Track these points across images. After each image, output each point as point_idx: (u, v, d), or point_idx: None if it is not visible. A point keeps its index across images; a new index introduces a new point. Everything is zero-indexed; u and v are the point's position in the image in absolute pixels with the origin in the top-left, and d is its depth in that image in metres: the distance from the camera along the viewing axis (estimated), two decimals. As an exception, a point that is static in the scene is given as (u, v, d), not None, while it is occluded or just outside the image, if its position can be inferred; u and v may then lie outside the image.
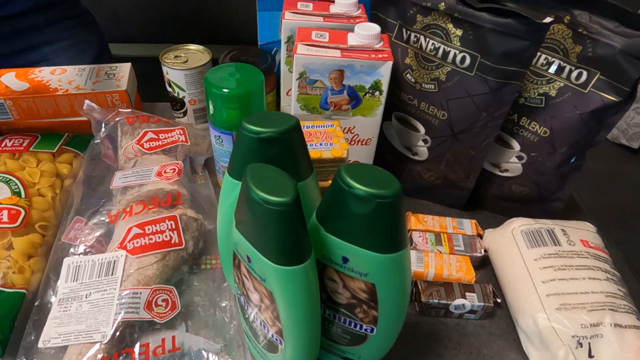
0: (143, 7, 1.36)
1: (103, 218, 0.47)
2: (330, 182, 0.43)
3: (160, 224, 0.46)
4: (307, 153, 0.33)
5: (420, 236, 0.52)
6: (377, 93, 0.46)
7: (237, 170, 0.33)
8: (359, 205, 0.27)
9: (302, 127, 0.44)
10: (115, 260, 0.43)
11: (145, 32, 1.39)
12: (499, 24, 0.42)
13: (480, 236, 0.53)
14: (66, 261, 0.44)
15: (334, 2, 0.57)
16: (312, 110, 0.48)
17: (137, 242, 0.44)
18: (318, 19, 0.50)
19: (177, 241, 0.46)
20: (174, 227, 0.46)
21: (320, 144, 0.42)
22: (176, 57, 0.64)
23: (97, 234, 0.47)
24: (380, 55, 0.45)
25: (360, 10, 0.53)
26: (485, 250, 0.51)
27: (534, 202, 0.56)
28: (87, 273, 0.43)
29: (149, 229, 0.45)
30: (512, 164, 0.53)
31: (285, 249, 0.27)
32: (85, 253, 0.45)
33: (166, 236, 0.45)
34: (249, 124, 0.30)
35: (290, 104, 0.55)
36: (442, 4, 0.45)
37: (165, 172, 0.51)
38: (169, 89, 0.65)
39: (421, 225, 0.53)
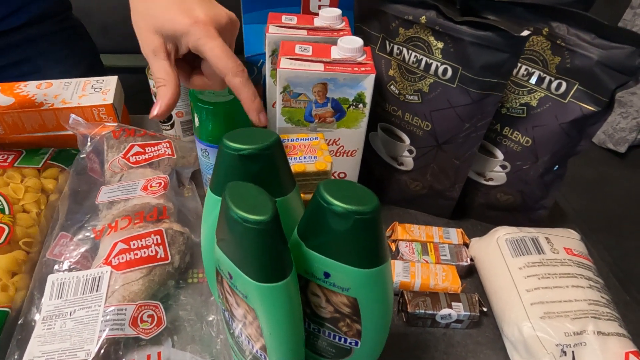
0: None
1: (88, 234, 0.47)
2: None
3: (146, 239, 0.46)
4: (288, 168, 0.34)
5: (407, 246, 0.52)
6: (360, 105, 0.47)
7: (219, 186, 0.33)
8: (338, 221, 0.27)
9: (285, 140, 0.44)
10: (100, 277, 0.43)
11: (134, 42, 1.39)
12: (479, 37, 0.43)
13: (467, 245, 0.54)
14: (50, 278, 0.43)
15: (317, 15, 0.58)
16: (297, 122, 0.48)
17: (123, 258, 0.44)
18: (302, 33, 0.51)
19: (162, 256, 0.46)
20: (159, 241, 0.46)
21: (304, 157, 0.42)
22: (163, 70, 0.64)
23: (82, 249, 0.46)
24: (363, 69, 0.45)
25: (344, 23, 0.54)
26: (472, 259, 0.52)
27: (519, 210, 0.56)
28: (71, 290, 0.42)
29: (134, 244, 0.45)
30: (497, 172, 0.54)
31: (266, 266, 0.27)
32: (70, 269, 0.45)
33: (152, 251, 0.45)
34: (229, 141, 0.30)
35: (276, 117, 0.55)
36: (424, 17, 0.46)
37: (151, 186, 0.51)
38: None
39: (408, 235, 0.53)
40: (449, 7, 0.46)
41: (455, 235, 0.54)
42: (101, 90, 0.64)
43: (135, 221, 0.47)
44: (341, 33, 0.52)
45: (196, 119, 0.51)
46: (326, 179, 0.43)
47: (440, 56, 0.46)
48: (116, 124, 0.59)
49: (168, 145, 0.58)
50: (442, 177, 0.55)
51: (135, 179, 0.53)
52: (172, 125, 0.67)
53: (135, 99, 0.86)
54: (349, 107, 0.47)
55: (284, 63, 0.45)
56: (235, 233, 0.27)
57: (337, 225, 0.27)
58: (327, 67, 0.45)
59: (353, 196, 0.27)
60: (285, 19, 0.53)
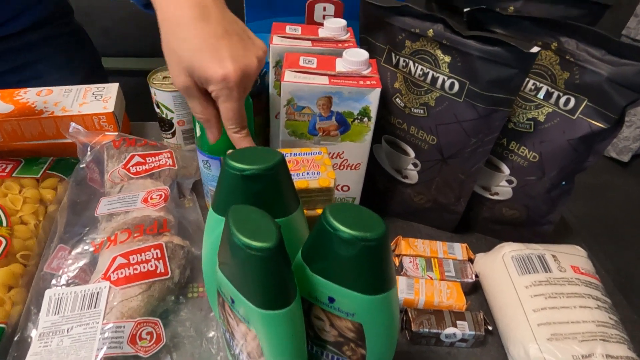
0: (135, 21, 1.35)
1: (87, 247, 0.46)
2: (318, 211, 0.43)
3: (146, 253, 0.45)
4: (293, 188, 0.33)
5: (411, 261, 0.51)
6: (365, 119, 0.46)
7: (221, 206, 0.32)
8: (344, 247, 0.26)
9: (288, 154, 0.43)
10: (98, 292, 0.42)
11: (136, 45, 1.38)
12: (487, 52, 0.42)
13: (472, 260, 0.53)
14: (47, 293, 0.42)
15: (322, 25, 0.57)
16: (301, 136, 0.48)
17: (122, 273, 0.43)
18: (306, 44, 0.50)
19: (162, 271, 0.45)
20: (159, 255, 0.46)
21: (307, 173, 0.41)
22: (165, 77, 0.64)
23: (81, 263, 0.45)
24: (368, 82, 0.44)
25: (349, 34, 0.53)
26: (476, 275, 0.51)
27: (525, 225, 0.55)
28: (69, 305, 0.42)
29: (133, 259, 0.44)
30: (502, 187, 0.53)
31: (269, 293, 0.26)
32: (67, 284, 0.44)
33: (151, 266, 0.45)
34: (232, 161, 0.30)
35: (279, 129, 0.54)
36: (431, 30, 0.45)
37: (151, 198, 0.50)
38: (157, 110, 0.64)
39: (412, 250, 0.52)
40: (456, 21, 0.45)
41: (459, 250, 0.53)
42: (102, 98, 0.64)
43: (135, 234, 0.47)
44: (346, 44, 0.51)
45: (197, 129, 0.50)
46: (332, 203, 0.42)
47: (447, 70, 0.46)
48: (117, 133, 0.58)
49: (169, 156, 0.57)
50: (447, 191, 0.54)
51: (136, 190, 0.52)
52: (174, 134, 0.66)
53: (136, 102, 0.85)
54: (353, 120, 0.46)
55: (288, 76, 0.44)
56: (238, 259, 0.26)
57: (343, 251, 0.26)
58: (332, 80, 0.44)
59: (359, 221, 0.26)
60: (289, 29, 0.53)
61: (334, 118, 0.46)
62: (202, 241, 0.54)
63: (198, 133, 0.50)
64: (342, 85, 0.44)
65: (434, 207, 0.56)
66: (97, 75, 0.83)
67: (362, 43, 0.54)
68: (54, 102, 0.62)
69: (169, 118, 0.64)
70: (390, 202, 0.59)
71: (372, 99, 0.44)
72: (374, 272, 0.27)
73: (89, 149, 0.56)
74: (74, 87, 0.65)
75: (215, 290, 0.33)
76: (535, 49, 0.40)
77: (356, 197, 0.54)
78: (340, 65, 0.46)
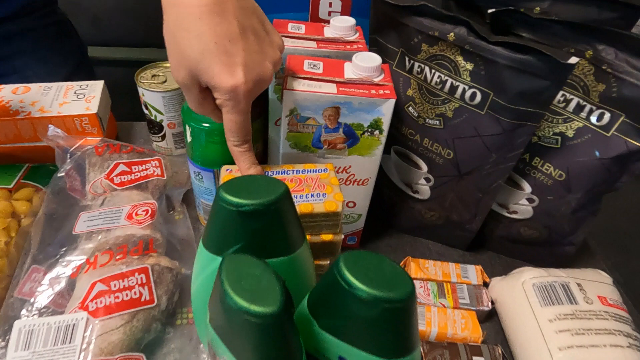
0: (125, 10, 1.29)
1: (64, 270, 0.41)
2: (323, 237, 0.38)
3: (129, 279, 0.40)
4: (297, 222, 0.28)
5: (422, 286, 0.47)
6: (376, 132, 0.41)
7: (214, 244, 0.27)
8: (361, 307, 0.22)
9: (290, 172, 0.39)
10: (74, 324, 0.37)
11: (127, 34, 1.31)
12: (516, 61, 0.37)
13: (486, 284, 0.49)
14: (17, 325, 0.38)
15: (328, 23, 0.52)
16: (304, 148, 0.43)
17: (101, 302, 0.39)
18: (311, 45, 0.45)
19: (147, 298, 0.40)
20: (144, 281, 0.41)
21: (312, 195, 0.37)
22: (154, 76, 0.58)
23: (57, 288, 0.41)
24: (381, 92, 0.39)
25: (357, 34, 0.48)
26: (492, 302, 0.47)
27: (544, 245, 0.51)
28: (41, 339, 0.37)
29: (115, 285, 0.40)
30: (522, 206, 0.49)
31: (270, 362, 0.22)
32: (40, 313, 0.39)
33: (135, 293, 0.40)
34: (227, 194, 0.25)
35: (279, 135, 0.49)
36: (452, 34, 0.40)
37: (136, 214, 0.45)
38: (146, 111, 0.59)
39: (422, 272, 0.48)
40: (481, 24, 0.40)
41: (474, 273, 0.49)
42: (84, 97, 0.58)
43: (118, 256, 0.42)
44: (355, 46, 0.46)
45: (188, 136, 0.45)
46: (339, 228, 0.38)
47: (468, 79, 0.41)
48: (99, 138, 0.53)
49: (157, 164, 0.52)
50: (462, 209, 0.49)
51: (120, 203, 0.47)
52: (164, 137, 0.61)
53: (125, 96, 0.79)
54: (363, 133, 0.41)
55: (292, 83, 0.39)
56: (233, 322, 0.21)
57: (359, 310, 0.22)
58: (341, 88, 0.39)
59: (381, 276, 0.22)
60: (292, 27, 0.47)
61: (341, 130, 0.41)
62: (194, 257, 0.50)
63: (189, 139, 0.45)
64: (352, 95, 0.39)
65: (446, 224, 0.52)
66: (83, 71, 0.77)
67: (371, 44, 0.49)
68: (31, 101, 0.56)
69: (158, 120, 0.59)
70: (397, 216, 0.55)
71: (386, 111, 0.40)
72: (396, 335, 0.23)
73: (68, 155, 0.51)
74: (54, 85, 0.60)
75: (204, 328, 0.29)
76: (573, 60, 0.35)
77: (362, 214, 0.49)
78: (350, 71, 0.41)
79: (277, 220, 0.26)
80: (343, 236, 0.38)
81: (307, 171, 0.39)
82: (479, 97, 0.41)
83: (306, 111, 0.40)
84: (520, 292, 0.44)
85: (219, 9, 0.31)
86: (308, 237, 0.38)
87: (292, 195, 0.37)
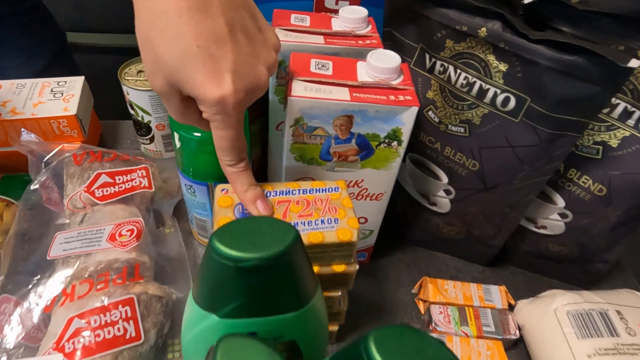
0: (111, -7, 1.20)
1: (37, 302, 0.36)
2: (334, 268, 0.33)
3: (112, 313, 0.35)
4: (310, 271, 0.23)
5: (441, 312, 0.42)
6: (394, 143, 0.36)
7: (206, 301, 0.22)
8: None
9: (295, 191, 0.33)
10: (48, 370, 0.32)
11: (113, 20, 1.23)
12: (562, 62, 0.32)
13: (511, 306, 0.44)
14: (-19, 371, 0.33)
15: (336, 13, 0.46)
16: (310, 161, 0.37)
17: (79, 341, 0.34)
18: (317, 40, 0.39)
19: (133, 334, 0.35)
20: (129, 314, 0.36)
21: (322, 222, 0.31)
22: (140, 72, 0.52)
23: (29, 325, 0.36)
24: (401, 97, 0.34)
25: (370, 26, 0.42)
26: (519, 327, 0.42)
27: (574, 262, 0.46)
28: (9, 388, 0.32)
29: (95, 321, 0.35)
30: (553, 221, 0.44)
31: None
32: (9, 355, 0.34)
33: (119, 329, 0.35)
34: (223, 246, 0.20)
35: (281, 140, 0.44)
36: (484, 29, 0.34)
37: (120, 234, 0.40)
38: (132, 112, 0.53)
39: (441, 296, 0.43)
40: (518, 17, 0.34)
41: (498, 295, 0.44)
42: (62, 97, 0.52)
43: (99, 286, 0.37)
44: (368, 41, 0.40)
45: (177, 143, 0.39)
46: (353, 258, 0.33)
47: (501, 81, 0.35)
48: (78, 145, 0.47)
49: (144, 174, 0.46)
50: (485, 224, 0.44)
51: (101, 220, 0.41)
52: (152, 139, 0.55)
53: (110, 88, 0.73)
54: (379, 144, 0.36)
55: (297, 88, 0.33)
56: None
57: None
58: (354, 94, 0.33)
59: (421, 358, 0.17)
60: (295, 19, 0.41)
61: (353, 141, 0.36)
62: (187, 278, 0.45)
63: (177, 144, 0.40)
64: (368, 102, 0.33)
65: (466, 239, 0.47)
66: (62, 61, 0.70)
67: (385, 38, 0.43)
68: (1, 101, 0.50)
69: (145, 122, 0.53)
70: (411, 228, 0.50)
71: (406, 120, 0.34)
72: None
73: (43, 165, 0.45)
74: (28, 82, 0.54)
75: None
76: (634, 63, 0.29)
77: (374, 230, 0.44)
78: (364, 72, 0.36)
79: (285, 275, 0.21)
80: (358, 267, 0.33)
81: (316, 191, 0.34)
82: (512, 103, 0.36)
83: (314, 120, 0.34)
84: (552, 320, 0.40)
85: (201, 4, 0.25)
86: (317, 268, 0.33)
87: (299, 221, 0.31)
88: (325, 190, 0.34)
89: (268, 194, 0.33)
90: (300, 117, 0.34)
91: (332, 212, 0.32)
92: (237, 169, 0.31)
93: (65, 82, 0.54)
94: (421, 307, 0.45)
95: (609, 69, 0.30)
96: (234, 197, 0.32)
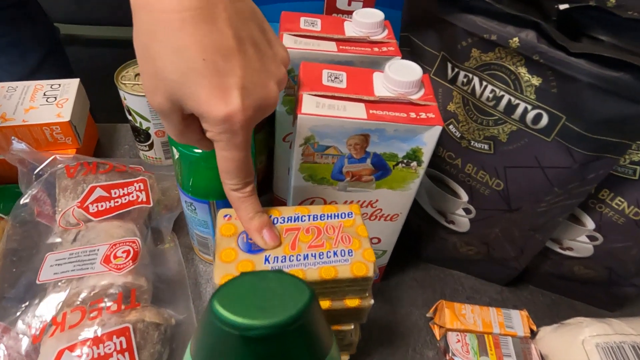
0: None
1: (25, 332, 0.34)
2: (348, 302, 0.30)
3: (105, 345, 0.33)
4: (327, 329, 0.20)
5: (459, 340, 0.39)
6: (414, 164, 0.33)
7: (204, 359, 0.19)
8: None
9: (305, 217, 0.30)
10: (36, 409, 0.30)
11: (113, 13, 1.20)
12: (606, 79, 0.28)
13: (533, 332, 0.41)
14: (-36, 409, 0.30)
15: (349, 15, 0.42)
16: (321, 181, 0.34)
17: (70, 377, 0.31)
18: (330, 46, 0.36)
19: (129, 368, 0.33)
20: (124, 346, 0.33)
21: (334, 254, 0.28)
22: (137, 75, 0.49)
23: (16, 354, 0.33)
24: (423, 115, 0.31)
25: (386, 31, 0.38)
26: (542, 358, 0.39)
27: (599, 285, 0.43)
28: None
29: (88, 355, 0.32)
30: (580, 243, 0.41)
31: None
32: (-5, 390, 0.32)
33: (113, 363, 0.32)
34: (225, 311, 0.17)
35: (288, 152, 0.41)
36: (516, 39, 0.31)
37: (115, 256, 0.37)
38: (129, 117, 0.50)
39: (459, 322, 0.40)
40: (550, 24, 0.31)
41: (519, 321, 0.41)
42: (56, 101, 0.49)
43: (91, 314, 0.34)
44: (384, 48, 0.37)
45: (176, 157, 0.36)
46: (368, 293, 0.30)
47: (533, 96, 0.32)
48: (72, 155, 0.44)
49: (142, 187, 0.43)
50: (507, 246, 0.41)
51: (96, 239, 0.39)
52: (151, 146, 0.52)
53: (109, 84, 0.70)
54: (396, 164, 0.33)
55: (308, 105, 0.30)
56: None
57: None
58: (371, 111, 0.30)
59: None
60: (305, 22, 0.38)
61: (369, 161, 0.33)
62: (187, 297, 0.42)
63: (176, 159, 0.37)
64: (386, 121, 0.30)
65: (485, 259, 0.44)
66: (54, 60, 0.67)
67: (402, 44, 0.40)
68: (-9, 106, 0.47)
69: (144, 128, 0.50)
70: (425, 245, 0.47)
71: (428, 140, 0.31)
72: None
73: (34, 177, 0.43)
74: (20, 85, 0.50)
75: None
76: (691, 83, 0.26)
77: (387, 250, 0.41)
78: (381, 85, 0.32)
79: (297, 342, 0.18)
80: (372, 301, 0.30)
81: (328, 216, 0.31)
82: (545, 121, 0.32)
83: (326, 139, 0.31)
84: (579, 352, 0.37)
85: (207, 15, 0.22)
86: (328, 303, 0.30)
87: (309, 253, 0.28)
88: (338, 216, 0.31)
89: (275, 221, 0.30)
90: (311, 136, 0.31)
91: (345, 242, 0.29)
92: (242, 194, 0.28)
93: (60, 85, 0.51)
94: (437, 332, 0.42)
95: (660, 88, 0.27)
96: (238, 225, 0.29)
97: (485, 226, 0.41)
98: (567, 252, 0.42)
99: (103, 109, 0.72)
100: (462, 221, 0.42)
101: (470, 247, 0.43)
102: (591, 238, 0.40)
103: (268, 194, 0.52)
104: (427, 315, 0.43)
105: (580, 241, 0.40)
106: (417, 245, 0.47)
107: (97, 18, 1.16)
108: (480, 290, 0.47)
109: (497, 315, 0.41)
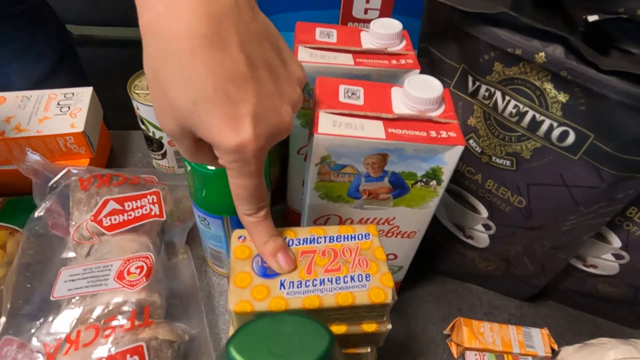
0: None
1: (40, 350, 0.34)
2: (364, 327, 0.29)
3: (119, 364, 0.32)
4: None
5: (477, 359, 0.38)
6: (433, 183, 0.32)
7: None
8: None
9: (321, 239, 0.29)
10: None
11: (127, 14, 1.20)
12: (638, 98, 0.27)
13: (554, 351, 0.40)
14: None
15: (365, 24, 0.41)
16: (337, 199, 0.33)
17: (84, 397, 0.31)
18: (346, 60, 0.35)
19: (142, 388, 0.32)
20: (138, 365, 0.33)
21: (352, 279, 0.27)
22: (150, 84, 0.49)
23: (31, 371, 0.33)
24: (444, 133, 0.29)
25: (404, 42, 0.37)
26: (563, 379, 0.38)
27: (623, 303, 0.42)
28: None
29: (101, 374, 0.32)
30: (606, 261, 0.39)
31: None
32: (10, 408, 0.32)
33: (126, 383, 0.32)
34: (241, 358, 0.16)
35: (302, 164, 0.40)
36: (542, 54, 0.29)
37: (128, 272, 0.37)
38: (142, 127, 0.50)
39: (477, 341, 0.39)
40: (577, 35, 0.29)
41: (539, 340, 0.40)
42: (69, 111, 0.49)
43: (105, 332, 0.34)
44: (402, 61, 0.36)
45: (188, 174, 0.36)
46: (386, 318, 0.29)
47: (559, 113, 0.31)
48: (85, 167, 0.44)
49: (155, 199, 0.43)
50: (528, 264, 0.40)
51: (109, 254, 0.38)
52: (164, 155, 0.52)
53: (124, 86, 0.70)
54: (415, 183, 0.32)
55: (325, 124, 0.29)
56: None
57: None
58: (390, 130, 0.29)
59: None
60: (320, 34, 0.37)
61: (386, 179, 0.32)
62: (200, 310, 0.42)
63: (189, 174, 0.36)
64: (406, 141, 0.29)
65: (504, 276, 0.43)
66: (67, 64, 0.67)
67: (420, 54, 0.38)
68: (5, 116, 0.47)
69: (157, 137, 0.50)
70: (442, 260, 0.46)
71: (449, 159, 0.30)
72: None
73: (47, 189, 0.42)
74: (34, 94, 0.50)
75: None
76: None
77: (404, 266, 0.40)
78: (399, 101, 0.31)
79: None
80: (390, 326, 0.30)
81: (344, 238, 0.30)
82: (571, 138, 0.31)
83: (343, 158, 0.30)
84: (604, 376, 0.36)
85: (217, 41, 0.21)
86: (345, 327, 0.29)
87: (326, 278, 0.28)
88: (355, 238, 0.30)
89: (290, 243, 0.29)
90: (328, 155, 0.30)
91: (362, 266, 0.28)
92: (255, 218, 0.27)
93: (73, 94, 0.51)
94: (454, 350, 0.41)
95: (698, 109, 0.26)
96: (252, 247, 0.29)
97: (506, 243, 0.39)
98: (591, 270, 0.41)
99: (116, 109, 0.71)
100: (481, 237, 0.41)
101: (490, 263, 0.42)
102: (617, 256, 0.38)
103: (281, 204, 0.51)
104: (444, 332, 0.42)
105: (606, 259, 0.39)
106: (434, 258, 0.46)
107: (110, 19, 1.17)
108: (499, 306, 0.46)
109: (517, 333, 0.40)
